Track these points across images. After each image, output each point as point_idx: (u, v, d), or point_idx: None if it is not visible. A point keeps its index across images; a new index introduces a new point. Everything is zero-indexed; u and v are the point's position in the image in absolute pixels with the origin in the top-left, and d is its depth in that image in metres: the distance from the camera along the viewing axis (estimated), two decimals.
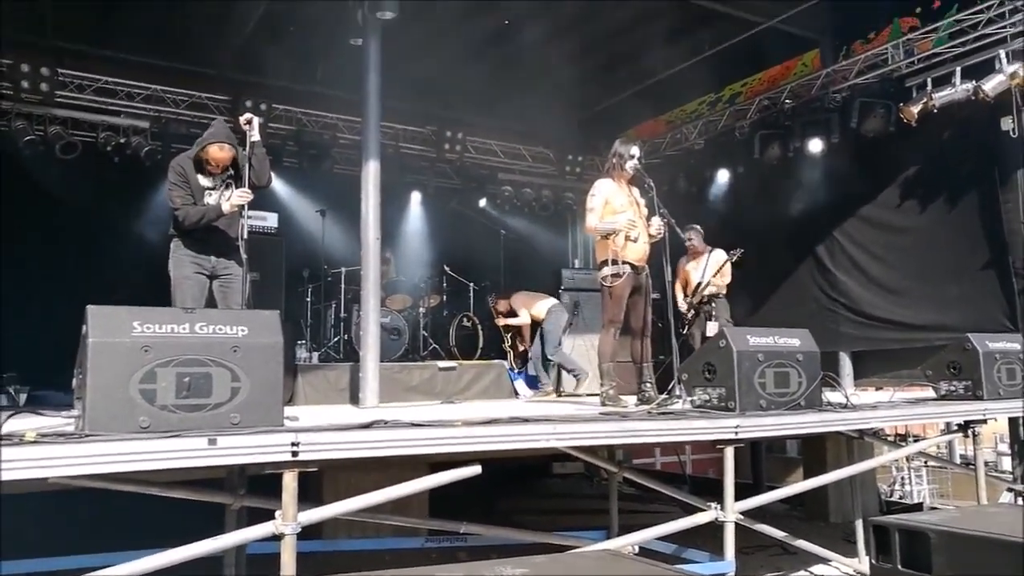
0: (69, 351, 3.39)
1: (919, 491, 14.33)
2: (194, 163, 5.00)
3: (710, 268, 7.77)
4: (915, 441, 10.27)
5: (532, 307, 8.47)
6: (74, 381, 3.37)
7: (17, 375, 7.10)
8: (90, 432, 3.04)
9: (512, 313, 8.64)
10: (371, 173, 6.50)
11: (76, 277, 7.74)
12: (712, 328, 7.53)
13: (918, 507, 10.75)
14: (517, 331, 8.79)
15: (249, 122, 5.05)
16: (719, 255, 7.84)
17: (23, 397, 6.78)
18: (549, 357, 8.24)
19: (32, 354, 6.96)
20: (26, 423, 3.45)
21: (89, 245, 8.37)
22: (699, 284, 7.83)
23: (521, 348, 8.75)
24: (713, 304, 7.74)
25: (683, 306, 7.89)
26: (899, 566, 3.40)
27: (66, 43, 8.36)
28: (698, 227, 8.09)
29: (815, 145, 8.72)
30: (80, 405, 3.20)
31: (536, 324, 8.48)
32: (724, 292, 7.94)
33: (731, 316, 7.90)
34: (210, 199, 4.99)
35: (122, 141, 8.65)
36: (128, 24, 8.18)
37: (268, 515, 3.37)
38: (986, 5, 7.15)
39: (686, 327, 7.83)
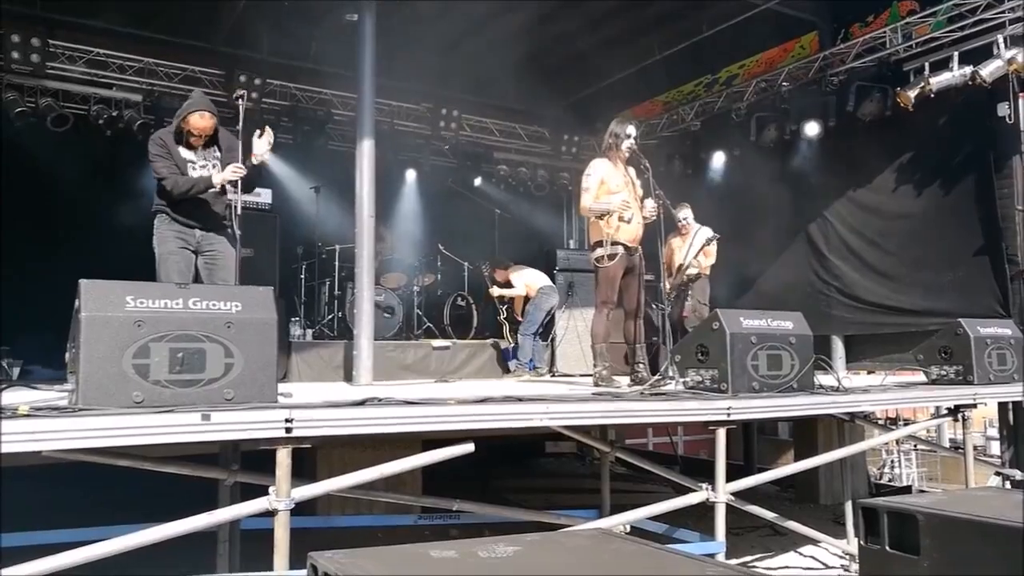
0: (62, 325, 3.37)
1: (908, 474, 14.47)
2: (175, 136, 4.91)
3: (694, 247, 7.65)
4: (905, 425, 10.35)
5: (528, 281, 8.44)
6: (67, 355, 3.36)
7: (10, 349, 7.08)
8: (83, 406, 3.04)
9: (508, 284, 8.61)
10: (366, 152, 6.46)
11: (69, 251, 7.69)
12: (688, 308, 7.48)
13: (907, 490, 10.88)
14: (511, 303, 8.75)
15: (240, 98, 5.06)
16: (704, 234, 7.72)
17: (16, 371, 6.76)
18: (520, 335, 8.24)
19: (25, 328, 6.93)
20: (19, 396, 3.45)
21: (81, 218, 8.30)
22: (681, 265, 7.72)
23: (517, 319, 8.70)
24: (691, 285, 7.65)
25: (665, 285, 7.70)
26: (887, 547, 3.43)
27: (57, 14, 8.24)
28: (688, 206, 7.98)
29: (811, 128, 8.68)
30: (73, 379, 3.19)
31: (527, 299, 8.47)
32: (707, 273, 7.86)
33: (711, 298, 7.82)
34: (194, 173, 4.91)
35: (114, 114, 8.54)
36: None
37: (262, 491, 3.39)
38: None
39: (668, 307, 7.68)
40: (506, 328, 8.59)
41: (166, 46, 8.95)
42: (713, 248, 7.76)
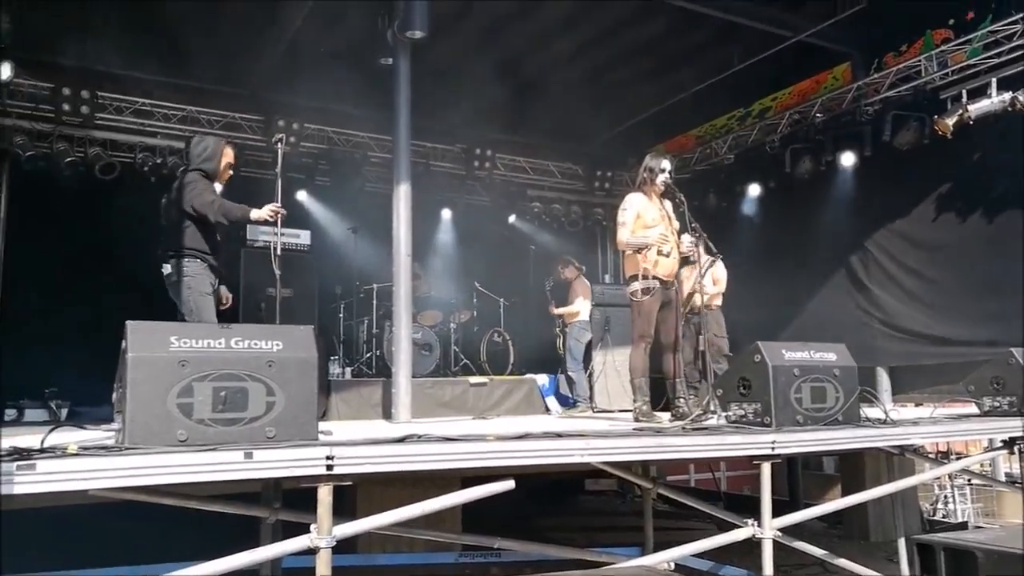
0: (109, 366, 3.44)
1: (963, 510, 13.91)
2: (208, 178, 5.07)
3: (705, 276, 7.33)
4: (958, 458, 10.02)
5: (583, 307, 8.36)
6: (114, 395, 3.42)
7: (58, 390, 7.24)
8: (130, 445, 3.08)
9: (568, 286, 8.56)
10: (402, 196, 6.49)
11: (116, 293, 7.84)
12: (702, 342, 7.23)
13: (963, 526, 10.48)
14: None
15: (279, 141, 5.33)
16: (720, 267, 7.39)
17: (64, 412, 6.90)
18: (571, 372, 8.17)
19: (73, 369, 7.08)
20: (69, 436, 3.50)
21: (127, 262, 8.45)
22: (689, 294, 7.43)
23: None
24: (702, 317, 7.35)
25: None
26: None
27: (105, 67, 8.55)
28: (703, 236, 7.69)
29: (847, 159, 8.63)
30: (120, 419, 3.25)
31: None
32: (718, 303, 7.53)
33: (727, 331, 7.55)
34: None
35: (158, 161, 8.80)
36: (164, 46, 8.36)
37: (303, 529, 3.39)
38: (1021, 16, 7.04)
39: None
40: (559, 341, 8.53)
41: (207, 94, 9.23)
42: (721, 276, 7.50)
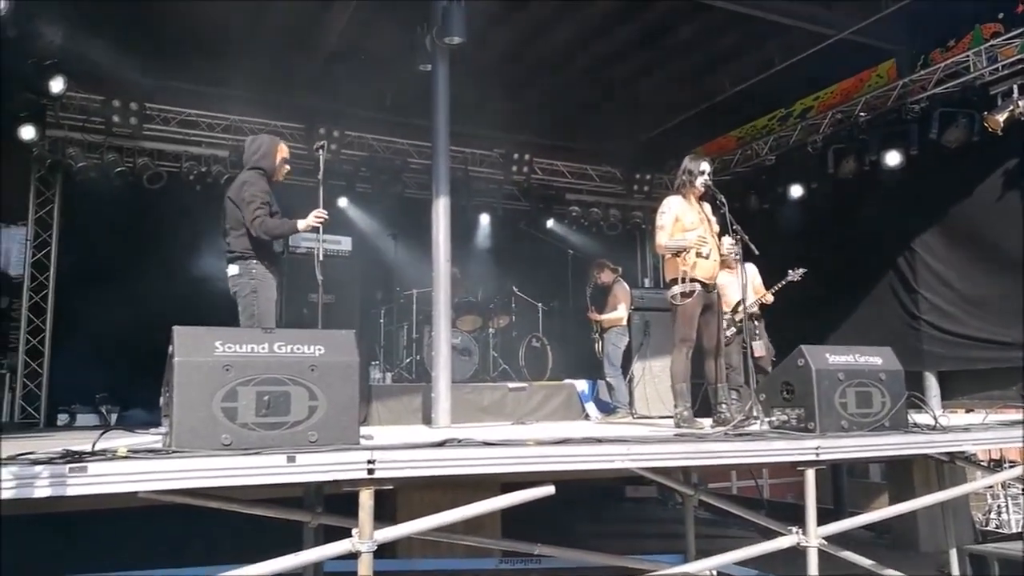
0: (158, 371, 3.51)
1: (1017, 520, 13.49)
2: (267, 180, 4.99)
3: (751, 285, 7.22)
4: (1012, 467, 9.71)
5: (623, 314, 8.26)
6: (161, 399, 3.49)
7: (108, 395, 7.42)
8: (176, 448, 3.14)
9: (607, 289, 8.46)
10: (441, 207, 6.49)
11: (164, 299, 7.99)
12: (759, 348, 7.11)
13: (1017, 536, 10.16)
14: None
15: (320, 148, 5.28)
16: (755, 271, 7.20)
17: (114, 416, 7.08)
18: (610, 378, 8.09)
19: (122, 375, 7.26)
20: (118, 440, 3.59)
21: (175, 268, 8.60)
22: (740, 301, 7.28)
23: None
24: (756, 323, 7.28)
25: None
26: None
27: (153, 79, 8.77)
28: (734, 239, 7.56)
29: (893, 158, 8.44)
30: (167, 422, 3.31)
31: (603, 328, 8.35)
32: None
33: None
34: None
35: (203, 170, 9.01)
36: (208, 58, 8.54)
37: (345, 533, 3.41)
38: None
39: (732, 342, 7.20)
40: (599, 345, 8.45)
41: (250, 103, 9.39)
42: (757, 279, 7.46)
